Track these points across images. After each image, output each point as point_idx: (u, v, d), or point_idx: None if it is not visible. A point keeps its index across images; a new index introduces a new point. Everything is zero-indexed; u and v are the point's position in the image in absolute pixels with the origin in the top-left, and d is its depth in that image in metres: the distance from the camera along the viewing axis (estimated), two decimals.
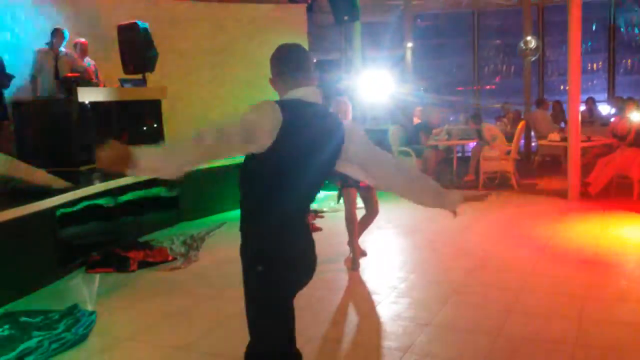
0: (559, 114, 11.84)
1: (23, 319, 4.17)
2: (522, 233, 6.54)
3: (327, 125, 2.31)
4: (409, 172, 2.53)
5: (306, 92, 2.28)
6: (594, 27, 14.52)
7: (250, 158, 2.23)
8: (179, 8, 9.28)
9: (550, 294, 4.62)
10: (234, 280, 3.99)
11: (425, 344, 3.79)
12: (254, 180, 2.28)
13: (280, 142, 2.13)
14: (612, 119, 10.53)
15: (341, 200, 5.44)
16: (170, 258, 5.83)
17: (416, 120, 10.87)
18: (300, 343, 3.85)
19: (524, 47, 12.08)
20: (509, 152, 9.07)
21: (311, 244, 2.42)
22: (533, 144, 12.46)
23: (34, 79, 7.08)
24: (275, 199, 2.24)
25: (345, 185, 5.29)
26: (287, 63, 2.31)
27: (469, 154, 10.90)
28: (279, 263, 2.28)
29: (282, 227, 2.28)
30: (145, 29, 7.89)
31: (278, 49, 2.36)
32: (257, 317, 2.34)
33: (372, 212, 5.53)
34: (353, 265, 5.38)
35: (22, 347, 3.73)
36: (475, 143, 10.14)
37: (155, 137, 7.81)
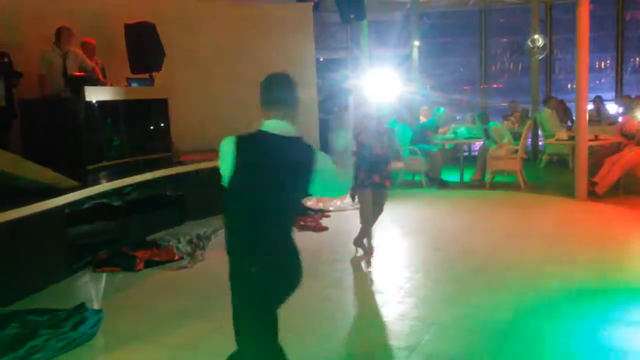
0: (562, 113, 11.77)
1: (30, 317, 4.19)
2: (528, 233, 6.52)
3: (287, 155, 2.45)
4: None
5: (270, 125, 2.47)
6: (602, 25, 14.45)
7: None
8: (186, 7, 9.29)
9: (556, 294, 4.60)
10: None
11: (432, 344, 3.79)
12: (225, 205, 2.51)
13: (236, 172, 2.41)
14: (621, 118, 10.48)
15: (356, 200, 5.54)
16: (176, 257, 5.85)
17: (422, 119, 10.85)
18: (308, 342, 3.86)
19: (531, 46, 12.03)
20: (516, 152, 9.04)
21: (288, 260, 2.51)
22: (540, 142, 12.40)
23: (41, 77, 7.11)
24: (236, 223, 2.48)
25: (361, 187, 5.33)
26: (263, 96, 2.51)
27: (476, 153, 10.87)
28: (250, 280, 2.42)
29: (244, 245, 2.45)
30: (153, 28, 7.90)
31: (264, 79, 2.53)
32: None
33: (378, 211, 5.57)
34: (367, 263, 5.43)
35: (29, 345, 3.75)
36: (482, 142, 10.11)
37: (162, 136, 7.83)
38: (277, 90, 2.49)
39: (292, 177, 2.45)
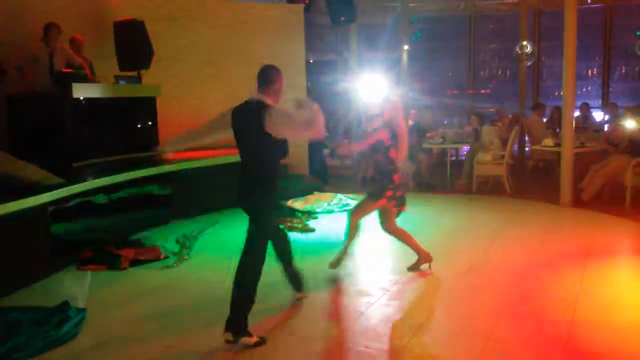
0: (557, 121, 11.84)
1: (13, 315, 4.15)
2: (514, 238, 6.55)
3: (250, 108, 3.82)
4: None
5: (251, 96, 3.88)
6: (589, 33, 14.62)
7: None
8: (176, 5, 9.26)
9: (541, 298, 4.64)
10: (227, 278, 3.99)
11: (416, 346, 3.80)
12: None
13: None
14: (607, 126, 10.58)
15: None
16: (162, 256, 5.81)
17: (410, 123, 10.90)
18: (292, 343, 3.86)
19: (519, 52, 12.14)
20: (502, 157, 9.09)
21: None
22: (527, 148, 12.49)
23: (19, 71, 7.02)
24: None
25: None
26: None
27: (463, 158, 10.92)
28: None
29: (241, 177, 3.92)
30: (142, 26, 7.86)
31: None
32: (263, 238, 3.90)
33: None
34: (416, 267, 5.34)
35: (11, 343, 3.71)
36: (469, 147, 10.16)
37: (150, 134, 7.79)
38: (259, 74, 3.87)
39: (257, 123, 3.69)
